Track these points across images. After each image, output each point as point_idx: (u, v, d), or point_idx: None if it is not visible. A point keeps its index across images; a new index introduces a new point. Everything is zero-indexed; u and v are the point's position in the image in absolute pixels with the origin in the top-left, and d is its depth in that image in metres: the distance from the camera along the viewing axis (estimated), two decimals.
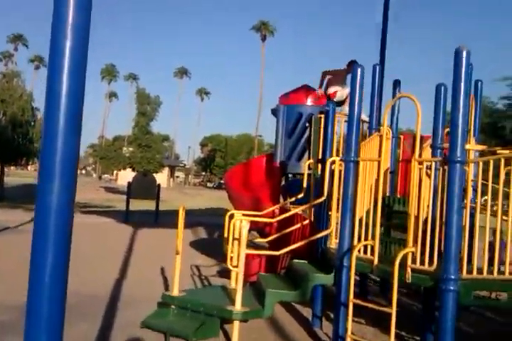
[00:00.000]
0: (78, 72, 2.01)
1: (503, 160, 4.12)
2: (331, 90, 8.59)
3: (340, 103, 8.61)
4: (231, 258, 5.89)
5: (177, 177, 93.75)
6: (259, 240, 7.50)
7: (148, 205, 20.24)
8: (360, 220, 5.11)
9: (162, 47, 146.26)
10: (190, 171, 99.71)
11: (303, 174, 7.30)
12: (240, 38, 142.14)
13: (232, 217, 6.27)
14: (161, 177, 47.75)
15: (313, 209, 6.83)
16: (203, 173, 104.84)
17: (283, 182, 9.13)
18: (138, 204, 20.53)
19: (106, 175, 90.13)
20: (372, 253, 4.85)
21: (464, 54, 4.07)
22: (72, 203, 2.05)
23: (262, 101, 72.46)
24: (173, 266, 5.87)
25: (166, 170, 58.61)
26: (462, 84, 4.05)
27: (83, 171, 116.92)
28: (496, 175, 4.30)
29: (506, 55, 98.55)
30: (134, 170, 41.88)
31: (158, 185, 20.38)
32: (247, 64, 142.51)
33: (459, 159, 4.06)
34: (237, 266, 5.46)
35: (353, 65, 8.77)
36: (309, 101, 8.34)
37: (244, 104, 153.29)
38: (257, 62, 78.55)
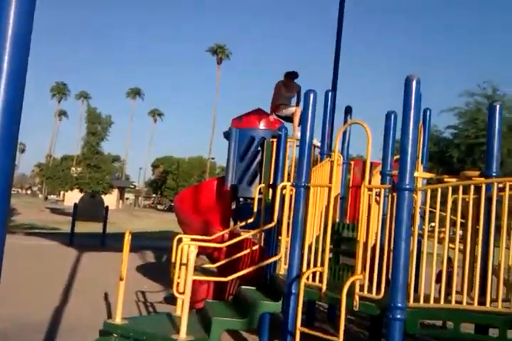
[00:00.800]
0: (16, 84, 1.90)
1: (450, 189, 4.16)
2: (272, 117, 8.65)
3: (286, 119, 8.68)
4: (178, 284, 5.72)
5: (127, 198, 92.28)
6: (208, 266, 7.35)
7: (96, 228, 19.75)
8: (310, 246, 5.06)
9: (116, 67, 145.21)
10: (140, 193, 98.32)
11: (254, 198, 7.23)
12: (195, 59, 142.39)
13: (180, 241, 6.12)
14: (110, 199, 46.92)
15: (263, 235, 6.76)
16: (154, 195, 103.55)
17: (234, 206, 9.05)
18: (84, 227, 19.99)
19: (52, 196, 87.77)
20: (321, 280, 4.79)
21: (414, 83, 4.11)
22: (4, 226, 1.91)
23: (215, 124, 72.53)
24: (117, 292, 5.65)
25: (115, 192, 57.57)
26: (412, 113, 4.09)
27: (28, 191, 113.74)
28: (443, 203, 4.34)
29: (454, 85, 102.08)
30: (81, 191, 40.97)
31: (106, 207, 19.94)
32: (201, 86, 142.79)
33: (407, 187, 4.07)
34: (183, 293, 5.30)
35: (290, 74, 8.97)
36: (262, 125, 8.34)
37: (197, 126, 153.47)
38: (212, 85, 78.84)
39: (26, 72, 1.97)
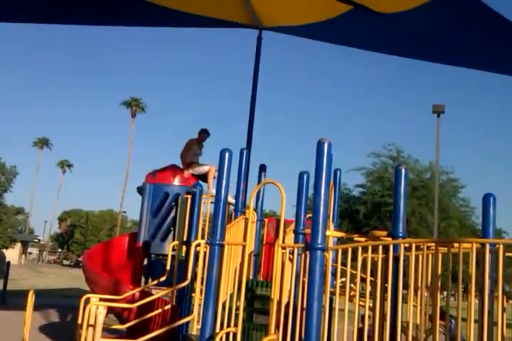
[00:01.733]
0: None
1: (360, 249, 4.30)
2: (186, 173, 8.71)
3: (198, 176, 8.76)
4: None
5: (30, 253, 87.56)
6: (117, 326, 7.05)
7: None
8: (223, 305, 5.01)
9: (22, 115, 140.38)
10: (45, 247, 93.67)
11: (167, 255, 7.11)
12: (109, 112, 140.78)
13: (88, 301, 5.87)
14: (12, 254, 44.41)
15: (176, 293, 6.62)
16: (60, 250, 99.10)
17: (145, 262, 8.83)
18: None
19: None
20: (235, 340, 4.73)
21: (326, 145, 4.30)
22: None
23: (128, 177, 71.26)
24: None
25: (18, 246, 54.61)
26: (324, 174, 4.24)
27: None
28: (353, 259, 4.47)
29: (361, 146, 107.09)
30: None
31: (8, 262, 18.81)
32: (115, 139, 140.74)
33: (319, 246, 4.17)
34: None
35: (203, 133, 9.17)
36: (176, 181, 8.33)
37: (109, 179, 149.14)
38: (126, 138, 78.12)
39: None
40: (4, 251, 38.68)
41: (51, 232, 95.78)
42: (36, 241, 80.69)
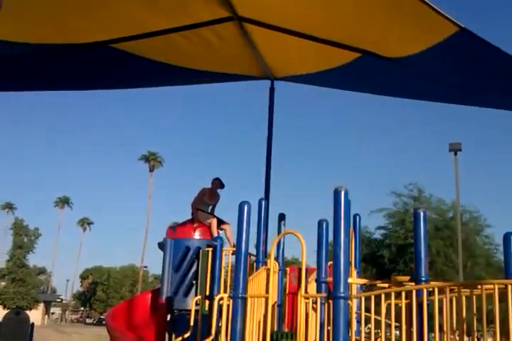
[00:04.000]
0: None
1: (383, 296, 4.28)
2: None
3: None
4: None
5: (52, 313, 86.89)
6: None
7: None
8: None
9: (42, 176, 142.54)
10: (67, 306, 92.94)
11: (190, 310, 7.07)
12: (126, 167, 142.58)
13: None
14: (35, 314, 44.14)
15: None
16: (82, 308, 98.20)
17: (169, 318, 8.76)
18: None
19: None
20: None
21: (342, 193, 4.35)
22: None
23: (148, 232, 71.35)
24: None
25: (40, 306, 54.30)
26: (342, 222, 4.28)
27: None
28: (377, 304, 4.43)
29: (383, 188, 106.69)
30: (5, 306, 38.44)
31: (32, 324, 18.75)
32: (133, 194, 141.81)
33: (342, 295, 4.15)
34: None
35: (215, 181, 9.22)
36: (197, 235, 8.37)
37: (129, 234, 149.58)
38: (145, 193, 78.66)
39: None
40: (27, 312, 38.45)
41: (73, 291, 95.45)
42: (59, 300, 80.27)
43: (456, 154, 23.54)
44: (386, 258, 26.98)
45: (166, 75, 9.94)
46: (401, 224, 27.50)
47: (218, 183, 9.32)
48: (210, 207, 9.16)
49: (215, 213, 9.10)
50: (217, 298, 5.86)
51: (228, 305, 5.47)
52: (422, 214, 5.13)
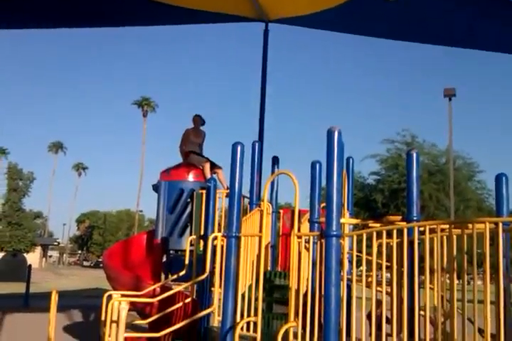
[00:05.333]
0: None
1: (374, 234, 4.34)
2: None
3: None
4: None
5: (50, 256, 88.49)
6: (139, 322, 7.15)
7: (17, 288, 18.77)
8: (243, 296, 5.07)
9: (35, 120, 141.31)
10: (64, 250, 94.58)
11: (185, 250, 7.19)
12: (120, 112, 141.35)
13: (110, 297, 5.97)
14: (33, 257, 44.90)
15: (195, 287, 6.69)
16: (79, 252, 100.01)
17: (164, 259, 8.92)
18: (6, 287, 18.97)
19: None
20: (255, 330, 4.80)
21: (336, 134, 4.33)
22: None
23: (142, 177, 71.58)
24: None
25: (38, 250, 55.22)
26: (335, 162, 4.28)
27: None
28: (369, 246, 4.50)
29: (375, 133, 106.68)
30: (2, 249, 39.07)
31: (29, 266, 19.08)
32: (127, 139, 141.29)
33: (335, 233, 4.21)
34: None
35: (195, 118, 9.16)
36: (191, 177, 8.40)
37: (124, 179, 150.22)
38: (138, 138, 78.47)
39: None
40: (25, 255, 39.13)
41: (70, 235, 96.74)
42: (56, 244, 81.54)
43: (450, 100, 23.42)
44: (379, 203, 27.40)
45: (160, 15, 9.72)
46: (394, 169, 27.76)
47: (198, 119, 9.25)
48: (199, 146, 9.13)
49: (205, 153, 9.11)
50: (211, 237, 5.95)
51: (222, 245, 5.55)
52: (414, 155, 5.15)
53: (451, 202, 22.43)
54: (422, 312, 4.33)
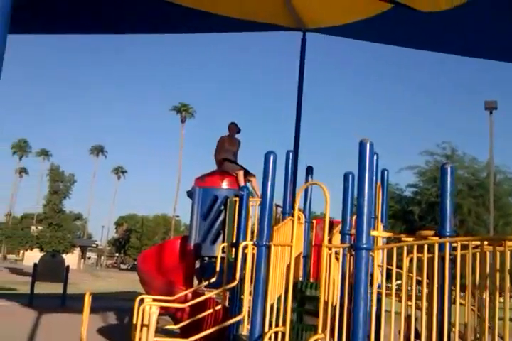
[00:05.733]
0: None
1: (405, 248, 4.30)
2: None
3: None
4: None
5: (88, 258, 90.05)
6: (170, 326, 7.24)
7: (56, 288, 19.18)
8: (273, 306, 5.09)
9: (78, 124, 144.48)
10: (103, 252, 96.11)
11: (216, 257, 7.26)
12: (159, 117, 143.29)
13: (142, 301, 6.06)
14: (71, 258, 45.80)
15: (228, 294, 6.74)
16: (117, 254, 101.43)
17: (198, 265, 9.01)
18: (44, 287, 19.40)
19: (11, 255, 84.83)
20: (284, 340, 4.80)
21: (368, 146, 4.33)
22: None
23: (180, 182, 72.32)
24: None
25: (77, 251, 56.29)
26: (367, 174, 4.28)
27: None
28: (402, 261, 4.46)
29: (414, 144, 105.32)
30: (42, 250, 39.95)
31: (67, 267, 19.48)
32: (165, 144, 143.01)
33: (365, 246, 4.19)
34: None
35: (230, 126, 9.20)
36: (225, 185, 8.48)
37: (162, 183, 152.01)
38: (176, 143, 79.32)
39: None
40: (64, 256, 39.97)
41: (108, 237, 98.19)
42: (94, 245, 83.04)
43: (491, 113, 22.97)
44: (416, 215, 26.99)
45: (200, 22, 9.88)
46: (432, 182, 27.32)
47: (234, 127, 9.27)
48: (233, 154, 9.19)
49: (240, 161, 9.16)
50: (241, 245, 5.99)
51: (253, 254, 5.58)
52: (449, 169, 5.07)
53: (491, 217, 21.94)
54: (453, 329, 4.27)
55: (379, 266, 5.13)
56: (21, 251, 64.41)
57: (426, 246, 4.16)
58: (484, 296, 3.96)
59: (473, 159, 28.26)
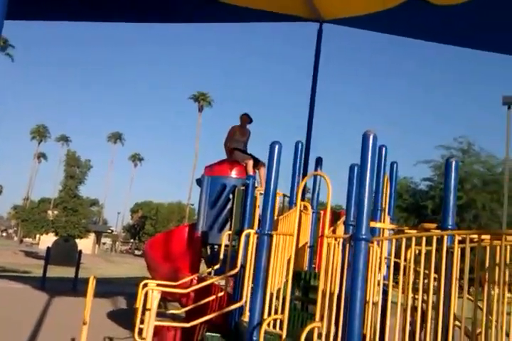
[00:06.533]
0: None
1: (403, 240, 4.32)
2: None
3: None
4: (141, 330, 5.72)
5: (103, 243, 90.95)
6: (175, 311, 7.34)
7: (69, 272, 19.47)
8: (271, 293, 5.14)
9: (97, 111, 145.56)
10: (118, 238, 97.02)
11: (225, 245, 7.33)
12: (177, 106, 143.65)
13: (145, 286, 6.16)
14: (86, 243, 46.29)
15: (233, 281, 6.81)
16: (132, 240, 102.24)
17: (208, 253, 9.09)
18: (58, 271, 19.69)
19: (28, 239, 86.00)
20: (282, 327, 4.86)
21: (371, 138, 4.34)
22: None
23: (195, 170, 72.54)
24: (80, 337, 5.65)
25: (91, 236, 56.85)
26: (368, 166, 4.29)
27: (4, 233, 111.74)
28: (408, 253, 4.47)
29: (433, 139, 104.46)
30: (57, 234, 40.44)
31: (80, 251, 19.74)
32: (182, 132, 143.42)
33: (363, 237, 4.22)
34: (145, 339, 5.32)
35: (243, 117, 9.23)
36: (233, 174, 8.53)
37: (178, 171, 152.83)
38: (193, 131, 79.54)
39: None
40: (79, 241, 40.38)
41: (124, 223, 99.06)
42: (109, 231, 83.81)
43: (509, 108, 22.57)
44: (429, 210, 26.81)
45: (216, 12, 9.89)
46: None
47: (246, 118, 9.32)
48: (243, 144, 9.24)
49: (248, 150, 9.21)
50: (244, 233, 6.04)
51: (254, 242, 5.64)
52: (453, 163, 5.07)
53: (504, 213, 21.73)
54: (457, 323, 4.28)
55: (386, 257, 5.16)
56: (37, 235, 65.35)
57: (424, 239, 4.17)
58: (481, 290, 3.97)
59: (489, 154, 27.95)
